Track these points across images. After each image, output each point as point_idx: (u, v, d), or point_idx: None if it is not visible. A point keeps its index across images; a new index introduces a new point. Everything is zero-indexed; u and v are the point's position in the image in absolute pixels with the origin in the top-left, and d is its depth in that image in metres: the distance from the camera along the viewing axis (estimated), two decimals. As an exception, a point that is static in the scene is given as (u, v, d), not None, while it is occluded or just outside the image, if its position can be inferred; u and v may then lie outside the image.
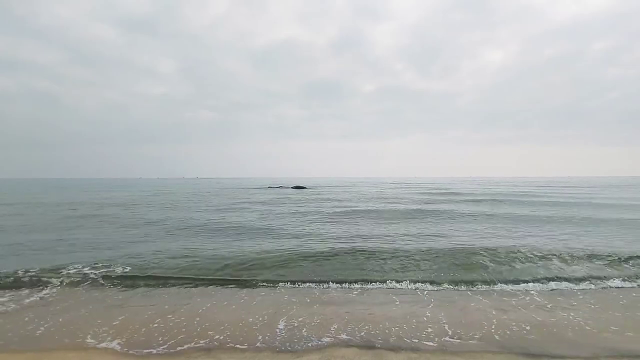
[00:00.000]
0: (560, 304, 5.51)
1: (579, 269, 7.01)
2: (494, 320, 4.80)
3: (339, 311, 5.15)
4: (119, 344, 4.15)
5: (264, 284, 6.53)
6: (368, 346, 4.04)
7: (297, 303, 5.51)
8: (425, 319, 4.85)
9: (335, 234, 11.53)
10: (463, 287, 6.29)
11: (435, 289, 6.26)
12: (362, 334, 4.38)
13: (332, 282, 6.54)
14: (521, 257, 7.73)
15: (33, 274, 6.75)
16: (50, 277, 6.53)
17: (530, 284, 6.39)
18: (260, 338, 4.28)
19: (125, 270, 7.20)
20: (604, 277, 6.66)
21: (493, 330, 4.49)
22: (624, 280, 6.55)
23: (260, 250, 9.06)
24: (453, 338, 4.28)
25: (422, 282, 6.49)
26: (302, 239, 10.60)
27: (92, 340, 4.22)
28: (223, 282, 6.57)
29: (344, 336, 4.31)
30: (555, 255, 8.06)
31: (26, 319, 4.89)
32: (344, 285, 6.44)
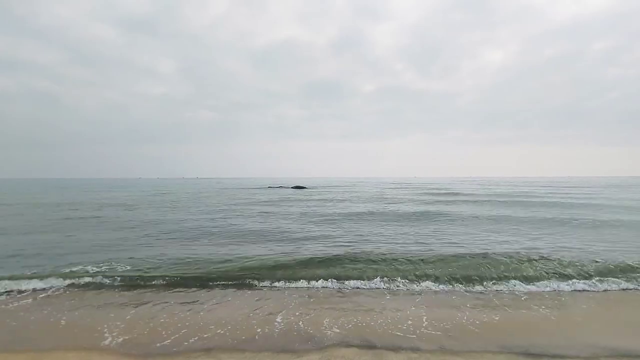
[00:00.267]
0: (560, 304, 5.53)
1: (579, 270, 7.02)
2: (494, 321, 4.81)
3: (339, 311, 5.16)
4: (119, 343, 4.16)
5: (264, 284, 6.54)
6: (368, 346, 4.05)
7: (297, 303, 5.52)
8: (425, 319, 4.85)
9: (335, 234, 11.54)
10: (462, 289, 6.30)
11: (435, 289, 6.28)
12: (362, 334, 4.39)
13: (332, 282, 6.55)
14: (521, 259, 7.73)
15: (33, 274, 6.76)
16: (51, 278, 6.54)
17: (530, 285, 6.40)
18: (260, 338, 4.29)
19: (126, 270, 7.22)
20: (604, 278, 6.67)
21: (493, 331, 4.50)
22: (624, 281, 6.55)
23: (260, 250, 9.08)
24: (453, 338, 4.29)
25: (422, 283, 6.50)
26: (302, 240, 10.61)
27: (92, 340, 4.23)
28: (223, 283, 6.57)
29: (343, 336, 4.32)
30: (556, 256, 8.07)
31: (26, 319, 4.90)
32: (344, 285, 6.44)
